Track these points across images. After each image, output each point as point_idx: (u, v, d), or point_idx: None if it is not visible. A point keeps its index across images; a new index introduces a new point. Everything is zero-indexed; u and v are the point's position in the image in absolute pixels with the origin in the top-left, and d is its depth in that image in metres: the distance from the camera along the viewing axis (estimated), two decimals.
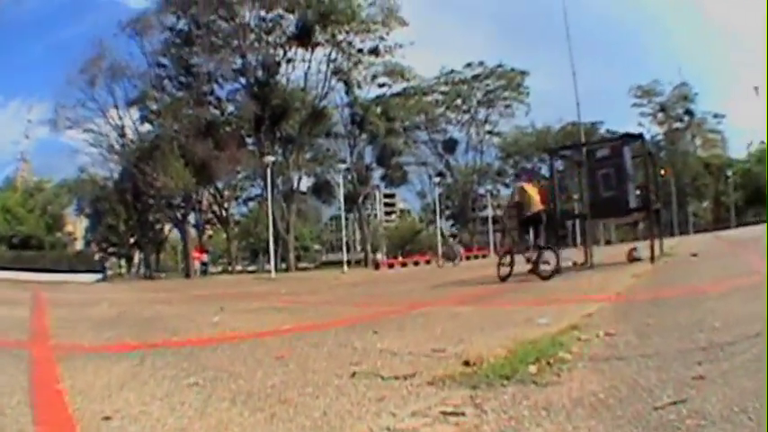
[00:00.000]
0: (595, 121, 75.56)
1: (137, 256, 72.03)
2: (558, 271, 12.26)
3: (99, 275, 45.61)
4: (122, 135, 53.55)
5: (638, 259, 16.13)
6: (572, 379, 3.36)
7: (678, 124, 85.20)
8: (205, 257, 54.88)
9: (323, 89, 58.70)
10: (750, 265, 11.07)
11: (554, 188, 16.87)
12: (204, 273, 51.58)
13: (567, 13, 21.24)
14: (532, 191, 13.22)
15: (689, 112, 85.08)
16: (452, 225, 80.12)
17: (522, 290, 10.63)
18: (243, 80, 56.35)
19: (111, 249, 69.46)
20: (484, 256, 51.27)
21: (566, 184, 29.26)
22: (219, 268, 69.69)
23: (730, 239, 26.88)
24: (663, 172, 68.48)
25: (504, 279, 12.59)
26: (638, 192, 16.04)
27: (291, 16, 56.65)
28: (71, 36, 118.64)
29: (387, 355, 4.49)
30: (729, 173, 75.03)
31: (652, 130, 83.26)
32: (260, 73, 56.04)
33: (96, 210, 64.44)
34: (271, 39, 56.80)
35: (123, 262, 76.08)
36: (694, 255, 16.38)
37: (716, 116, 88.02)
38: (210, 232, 72.84)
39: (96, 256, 60.67)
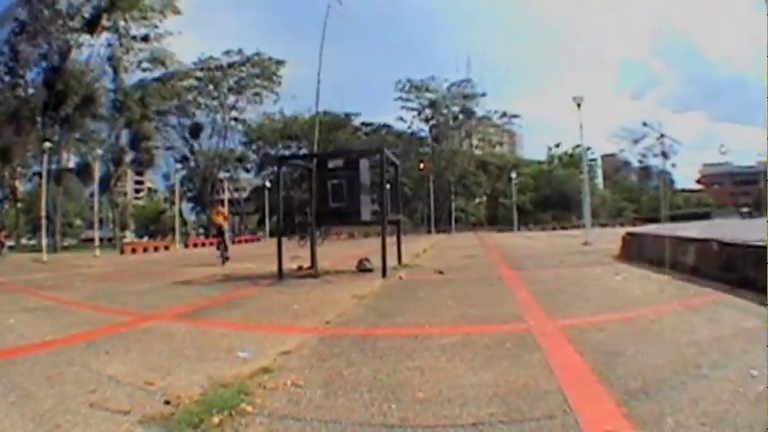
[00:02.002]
0: (350, 113, 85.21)
1: None
2: (227, 259, 22.93)
3: None
4: None
5: (369, 270, 16.16)
6: None
7: (452, 122, 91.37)
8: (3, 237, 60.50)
9: (98, 74, 68.46)
10: (514, 302, 9.62)
11: (279, 194, 18.36)
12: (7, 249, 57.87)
13: (348, 6, 21.83)
14: (216, 214, 25.87)
15: (465, 111, 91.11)
16: (193, 207, 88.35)
17: (238, 303, 11.10)
18: (44, 64, 64.85)
19: None
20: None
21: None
22: (12, 242, 73.44)
23: (505, 251, 24.94)
24: (421, 165, 73.10)
25: (223, 264, 22.08)
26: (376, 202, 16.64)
27: (93, 2, 65.63)
28: None
29: (113, 383, 5.26)
30: (514, 174, 79.44)
31: (415, 125, 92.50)
32: (56, 58, 64.25)
33: None
34: (72, 24, 64.80)
35: None
36: (440, 272, 15.45)
37: (504, 115, 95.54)
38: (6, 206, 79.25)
39: None
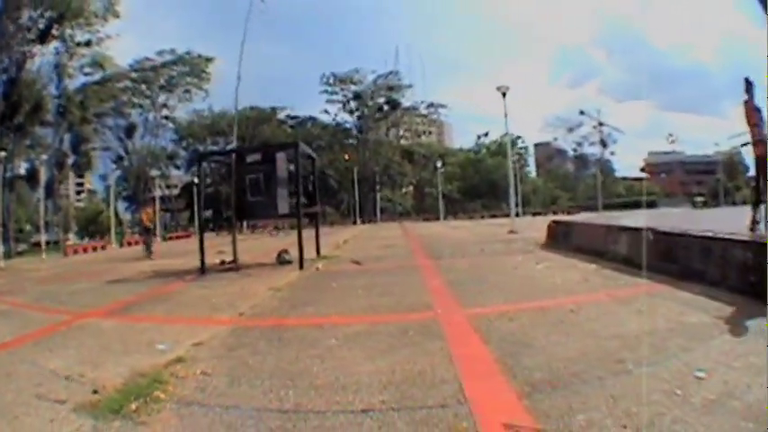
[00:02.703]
0: (276, 106, 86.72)
1: None
2: (152, 253, 24.80)
3: None
4: None
5: (288, 262, 16.47)
6: (158, 421, 4.27)
7: (377, 113, 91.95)
8: None
9: (46, 81, 66.74)
10: (426, 291, 9.71)
11: (201, 190, 20.25)
12: None
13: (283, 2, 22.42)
14: (145, 215, 28.18)
15: (391, 102, 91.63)
16: (128, 207, 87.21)
17: (162, 298, 11.52)
18: (4, 77, 62.96)
19: None
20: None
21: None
22: None
23: (426, 240, 24.60)
24: (346, 157, 73.54)
25: (149, 257, 23.93)
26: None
27: (47, 14, 64.52)
28: None
29: (55, 377, 5.76)
30: (439, 163, 78.53)
31: (340, 117, 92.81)
32: (14, 69, 63.21)
33: None
34: (29, 36, 64.02)
35: None
36: (357, 262, 15.79)
37: (431, 105, 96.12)
38: None
39: None
